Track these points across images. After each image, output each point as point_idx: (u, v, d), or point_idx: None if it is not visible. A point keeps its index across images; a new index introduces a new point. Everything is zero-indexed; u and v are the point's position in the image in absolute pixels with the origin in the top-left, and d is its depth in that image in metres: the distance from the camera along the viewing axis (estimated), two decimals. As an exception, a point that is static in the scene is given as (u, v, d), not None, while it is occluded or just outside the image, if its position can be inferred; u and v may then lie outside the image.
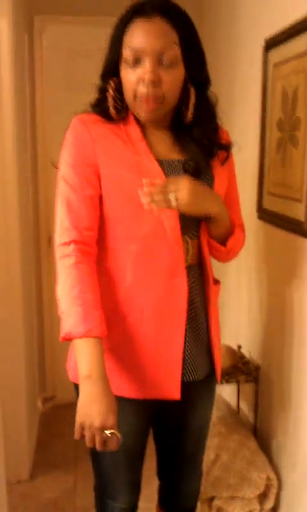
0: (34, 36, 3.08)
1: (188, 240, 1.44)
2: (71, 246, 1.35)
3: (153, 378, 1.41)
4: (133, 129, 1.41)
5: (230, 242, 1.49)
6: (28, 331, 2.78)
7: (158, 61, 1.29)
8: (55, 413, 3.33)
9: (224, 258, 1.54)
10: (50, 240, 3.26)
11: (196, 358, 1.46)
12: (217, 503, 1.99)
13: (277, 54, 1.99)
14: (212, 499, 2.01)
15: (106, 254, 1.42)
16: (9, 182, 2.42)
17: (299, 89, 1.81)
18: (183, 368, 1.43)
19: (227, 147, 1.48)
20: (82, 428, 1.22)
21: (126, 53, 1.31)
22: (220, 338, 1.59)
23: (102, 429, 1.20)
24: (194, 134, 1.41)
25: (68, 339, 1.30)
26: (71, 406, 3.32)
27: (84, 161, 1.38)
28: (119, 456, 1.52)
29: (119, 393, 1.35)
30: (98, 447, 1.22)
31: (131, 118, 1.42)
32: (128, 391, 1.43)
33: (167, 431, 1.64)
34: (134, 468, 1.60)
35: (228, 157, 1.48)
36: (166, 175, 1.38)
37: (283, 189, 1.98)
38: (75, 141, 1.40)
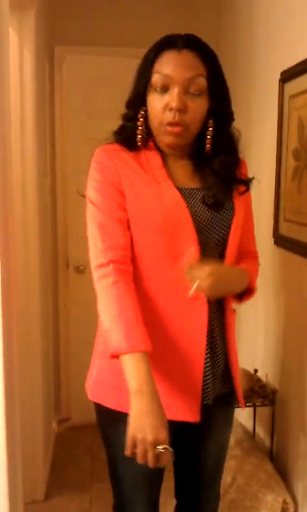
0: (55, 65, 3.19)
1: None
2: (110, 267, 1.37)
3: (174, 400, 1.43)
4: (154, 157, 1.46)
5: (245, 300, 1.57)
6: (45, 353, 2.83)
7: (186, 90, 1.35)
8: (70, 435, 3.36)
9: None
10: (67, 264, 3.32)
11: (215, 381, 1.49)
12: (233, 526, 2.01)
13: (293, 86, 2.07)
14: (228, 522, 2.03)
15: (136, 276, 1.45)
16: (30, 207, 2.48)
17: (315, 120, 1.88)
18: (203, 392, 1.45)
19: (246, 182, 1.52)
20: (134, 444, 1.23)
21: (156, 80, 1.37)
22: (238, 365, 1.61)
23: (155, 443, 1.21)
24: (213, 165, 1.46)
25: (116, 356, 1.31)
26: (86, 428, 3.39)
27: (111, 185, 1.43)
28: (139, 477, 1.54)
29: None
30: (150, 463, 1.23)
31: (152, 147, 1.48)
32: None
33: (186, 453, 1.65)
34: (153, 489, 1.61)
35: (246, 190, 1.51)
36: (186, 202, 1.42)
37: (299, 215, 2.03)
38: (101, 167, 1.45)
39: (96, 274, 1.40)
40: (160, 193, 1.41)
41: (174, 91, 1.35)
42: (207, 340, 1.45)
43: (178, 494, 1.75)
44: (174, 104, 1.35)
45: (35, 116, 2.47)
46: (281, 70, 2.16)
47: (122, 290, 1.36)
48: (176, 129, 1.37)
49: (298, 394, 2.08)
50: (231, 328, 1.54)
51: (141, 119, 1.45)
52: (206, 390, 1.46)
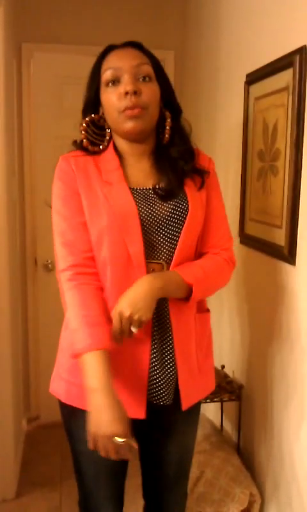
0: (23, 63, 3.17)
1: (164, 264, 1.49)
2: (70, 271, 1.46)
3: (121, 397, 1.39)
4: (112, 159, 1.53)
5: (193, 299, 1.51)
6: (14, 352, 2.83)
7: (135, 76, 1.45)
8: (40, 433, 3.36)
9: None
10: (36, 262, 3.32)
11: (170, 381, 1.50)
12: (202, 519, 2.05)
13: (258, 89, 2.11)
14: (197, 515, 2.07)
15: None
16: (-1, 206, 2.49)
17: (279, 122, 1.92)
18: (156, 392, 1.49)
19: (201, 172, 1.56)
20: (95, 438, 1.30)
21: (107, 75, 1.47)
22: (208, 363, 1.64)
23: (113, 436, 1.27)
24: (172, 153, 1.54)
25: (76, 356, 1.38)
26: (55, 426, 3.41)
27: (71, 191, 1.50)
28: (101, 472, 1.59)
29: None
30: (111, 455, 1.29)
31: (111, 149, 1.55)
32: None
33: (149, 454, 1.70)
34: (116, 484, 1.64)
35: (203, 183, 1.55)
36: (137, 203, 1.47)
37: (263, 215, 2.08)
38: (61, 174, 1.53)
39: (61, 278, 1.48)
40: (111, 195, 1.47)
41: (125, 78, 1.45)
42: (153, 340, 1.49)
43: (145, 494, 1.79)
44: (128, 87, 1.43)
45: (3, 114, 2.47)
46: (247, 73, 2.20)
47: (83, 292, 1.44)
48: (136, 111, 1.44)
49: (262, 390, 2.13)
50: (192, 327, 1.54)
51: (84, 124, 1.54)
52: (158, 390, 1.49)
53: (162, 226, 1.48)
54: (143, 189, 1.51)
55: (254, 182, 2.17)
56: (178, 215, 1.49)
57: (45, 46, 3.18)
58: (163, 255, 1.49)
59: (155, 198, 1.50)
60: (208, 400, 2.22)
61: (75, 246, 1.47)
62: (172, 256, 1.49)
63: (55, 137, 3.15)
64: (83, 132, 1.54)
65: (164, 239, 1.48)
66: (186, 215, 1.49)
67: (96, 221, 1.47)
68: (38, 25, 3.14)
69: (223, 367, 2.44)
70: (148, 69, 1.47)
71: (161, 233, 1.48)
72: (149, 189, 1.51)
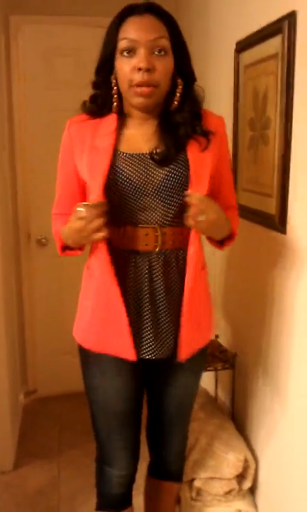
0: (11, 36, 3.12)
1: (158, 228, 1.55)
2: (53, 220, 1.72)
3: (109, 338, 1.58)
4: (111, 122, 1.57)
5: (226, 246, 1.71)
6: (9, 325, 2.84)
7: (151, 51, 1.45)
8: (37, 406, 3.40)
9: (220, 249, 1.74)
10: (29, 236, 3.32)
11: (161, 336, 1.58)
12: (196, 484, 2.09)
13: (248, 56, 2.09)
14: (192, 481, 2.11)
15: None
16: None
17: (269, 90, 1.91)
18: (151, 346, 1.57)
19: (206, 133, 1.56)
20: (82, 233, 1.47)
21: (122, 44, 1.46)
22: (205, 318, 1.70)
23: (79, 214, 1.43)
24: (176, 118, 1.55)
25: (60, 239, 1.64)
26: (53, 399, 3.43)
27: (66, 160, 1.64)
28: (113, 420, 1.68)
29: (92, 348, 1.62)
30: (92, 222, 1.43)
31: (114, 113, 1.57)
32: (96, 346, 1.62)
33: (151, 393, 1.80)
34: (128, 434, 1.72)
35: (207, 145, 1.56)
36: (128, 167, 1.52)
37: (255, 185, 2.08)
38: (62, 142, 1.65)
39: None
40: (93, 160, 1.53)
41: (141, 52, 1.44)
42: (144, 293, 1.56)
43: (147, 435, 1.90)
44: (142, 64, 1.43)
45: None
46: (237, 40, 2.17)
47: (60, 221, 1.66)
48: (146, 90, 1.46)
49: (255, 357, 2.16)
50: (194, 284, 1.58)
51: (115, 87, 1.54)
52: (151, 343, 1.57)
53: (157, 190, 1.52)
54: (138, 154, 1.54)
55: (246, 151, 2.16)
56: (174, 179, 1.52)
57: (34, 18, 3.12)
58: (158, 219, 1.54)
59: (150, 163, 1.52)
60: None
61: (62, 202, 1.70)
62: (168, 220, 1.54)
63: (49, 110, 3.13)
64: (115, 94, 1.55)
65: (159, 203, 1.53)
66: (183, 179, 1.52)
67: (88, 186, 1.58)
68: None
69: (217, 336, 2.46)
70: (164, 43, 1.47)
71: (156, 197, 1.52)
72: (146, 153, 1.54)
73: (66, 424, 3.16)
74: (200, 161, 1.54)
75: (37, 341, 3.44)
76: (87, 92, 1.64)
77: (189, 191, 1.48)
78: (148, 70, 1.44)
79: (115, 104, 1.56)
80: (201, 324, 1.67)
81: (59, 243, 1.66)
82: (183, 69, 1.54)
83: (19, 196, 3.28)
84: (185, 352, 1.60)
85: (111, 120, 1.58)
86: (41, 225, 3.21)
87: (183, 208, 1.51)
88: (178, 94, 1.54)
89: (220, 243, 1.69)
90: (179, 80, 1.54)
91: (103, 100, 1.58)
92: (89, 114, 1.61)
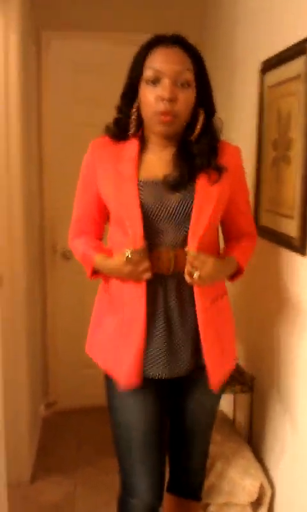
0: (42, 50, 3.17)
1: (171, 251, 1.59)
2: (72, 239, 1.80)
3: (119, 365, 1.63)
4: (132, 148, 1.62)
5: (236, 279, 1.75)
6: (31, 336, 2.86)
7: (175, 82, 1.51)
8: (58, 419, 3.41)
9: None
10: (55, 249, 3.34)
11: (175, 354, 1.62)
12: (211, 509, 2.05)
13: (272, 77, 2.06)
14: (207, 506, 2.07)
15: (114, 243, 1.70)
16: (15, 193, 2.50)
17: (292, 111, 1.88)
18: (162, 366, 1.61)
19: (219, 168, 1.60)
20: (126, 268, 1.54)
21: (148, 73, 1.52)
22: (229, 344, 1.73)
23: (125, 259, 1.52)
24: (193, 149, 1.59)
25: (94, 273, 1.71)
26: (73, 412, 3.43)
27: (88, 182, 1.70)
28: (133, 441, 1.67)
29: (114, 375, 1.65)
30: (138, 266, 1.53)
31: (137, 136, 1.63)
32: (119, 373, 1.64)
33: (171, 409, 1.80)
34: (152, 460, 1.69)
35: (218, 179, 1.59)
36: (145, 195, 1.57)
37: (276, 206, 2.05)
38: (85, 163, 1.70)
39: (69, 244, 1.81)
40: (121, 188, 1.59)
41: (166, 82, 1.50)
42: (159, 314, 1.60)
43: (169, 450, 1.87)
44: (166, 95, 1.49)
45: (20, 101, 2.47)
46: (261, 61, 2.15)
47: (84, 237, 1.76)
48: (168, 118, 1.52)
49: (274, 382, 2.12)
50: (205, 306, 1.61)
51: (135, 110, 1.60)
52: (158, 363, 1.61)
53: (171, 215, 1.57)
54: (154, 180, 1.59)
55: (268, 171, 2.14)
56: (184, 205, 1.57)
57: (64, 33, 3.17)
58: (171, 242, 1.59)
59: (163, 189, 1.58)
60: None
61: (81, 224, 1.77)
62: (179, 243, 1.59)
63: (75, 124, 3.16)
64: (134, 117, 1.60)
65: (172, 227, 1.58)
66: (191, 203, 1.57)
67: (110, 212, 1.67)
68: (56, 13, 3.12)
69: (236, 358, 2.42)
70: (188, 76, 1.52)
71: (169, 221, 1.58)
72: (160, 180, 1.59)
73: (85, 439, 3.16)
74: (206, 194, 1.59)
75: (59, 353, 3.45)
76: (112, 109, 1.68)
77: (186, 248, 1.56)
78: (171, 100, 1.50)
79: (133, 129, 1.61)
80: (224, 350, 1.70)
81: (90, 268, 1.71)
82: (205, 101, 1.60)
83: (46, 209, 3.30)
84: (214, 379, 1.65)
85: (133, 145, 1.63)
86: (66, 238, 3.21)
87: (197, 234, 1.58)
88: (198, 126, 1.59)
89: (230, 278, 1.75)
90: (201, 111, 1.59)
91: (125, 124, 1.63)
92: (111, 137, 1.66)
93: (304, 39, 1.76)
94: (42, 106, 3.22)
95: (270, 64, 2.07)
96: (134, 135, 1.63)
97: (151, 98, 1.52)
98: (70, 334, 3.38)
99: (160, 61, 1.51)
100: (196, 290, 1.59)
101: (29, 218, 2.76)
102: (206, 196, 1.58)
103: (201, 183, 1.58)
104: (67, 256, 3.30)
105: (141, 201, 1.56)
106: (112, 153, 1.63)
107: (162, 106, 1.50)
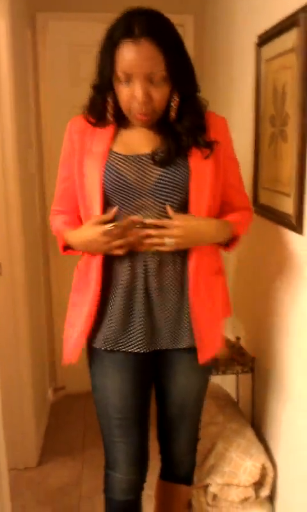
0: (37, 33, 3.12)
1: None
2: (52, 216, 1.78)
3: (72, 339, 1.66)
4: (108, 128, 1.59)
5: (231, 248, 1.69)
6: (35, 323, 2.85)
7: (148, 81, 1.45)
8: (65, 403, 3.42)
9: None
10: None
11: (153, 332, 1.61)
12: (212, 490, 2.05)
13: (268, 50, 2.02)
14: (207, 486, 2.07)
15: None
16: (10, 178, 2.46)
17: (287, 85, 1.83)
18: (141, 340, 1.60)
19: (209, 144, 1.56)
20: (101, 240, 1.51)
21: (119, 73, 1.45)
22: (214, 324, 1.67)
23: (102, 231, 1.50)
24: (176, 128, 1.55)
25: (66, 247, 1.68)
26: (80, 396, 3.44)
27: (66, 158, 1.68)
28: (111, 418, 1.68)
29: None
30: (113, 230, 1.49)
31: (112, 125, 1.59)
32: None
33: (156, 390, 1.80)
34: (131, 437, 1.70)
35: (210, 154, 1.56)
36: (126, 169, 1.53)
37: (274, 183, 2.01)
38: (64, 139, 1.68)
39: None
40: (90, 166, 1.57)
41: (137, 84, 1.44)
42: (138, 293, 1.57)
43: (158, 436, 1.88)
44: (139, 98, 1.45)
45: (13, 86, 2.43)
46: (258, 34, 2.10)
47: (61, 216, 1.73)
48: (145, 117, 1.50)
49: (274, 361, 2.10)
50: (195, 285, 1.58)
51: (109, 108, 1.55)
52: (137, 339, 1.60)
53: (152, 190, 1.53)
54: (135, 155, 1.55)
55: (266, 148, 2.09)
56: (169, 179, 1.53)
57: (59, 14, 3.11)
58: (153, 218, 1.54)
59: (147, 163, 1.54)
60: (220, 373, 2.20)
61: (62, 200, 1.74)
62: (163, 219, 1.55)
63: (73, 106, 3.09)
64: (110, 110, 1.55)
65: (154, 203, 1.54)
66: (179, 181, 1.53)
67: (79, 190, 1.64)
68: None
69: (238, 338, 2.40)
70: (161, 74, 1.44)
71: (151, 197, 1.53)
72: (145, 154, 1.55)
73: (91, 422, 3.16)
74: (202, 169, 1.55)
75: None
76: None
77: (169, 210, 1.52)
78: (145, 102, 1.46)
79: (109, 117, 1.57)
80: (213, 329, 1.67)
81: (61, 243, 1.70)
82: (183, 85, 1.52)
83: (47, 194, 3.28)
84: (203, 357, 1.63)
85: (109, 127, 1.60)
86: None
87: (178, 209, 1.54)
88: (172, 114, 1.54)
89: (225, 246, 1.69)
90: (175, 97, 1.52)
91: (100, 111, 1.59)
92: (88, 120, 1.62)
93: (297, 10, 1.71)
94: (40, 90, 3.18)
95: (266, 38, 2.02)
96: (111, 121, 1.59)
97: (125, 97, 1.48)
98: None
99: (129, 62, 1.42)
100: (190, 265, 1.57)
101: (28, 204, 2.74)
102: (203, 171, 1.54)
103: (195, 158, 1.54)
104: (70, 240, 3.27)
105: (117, 177, 1.52)
106: (89, 132, 1.60)
107: (137, 107, 1.47)
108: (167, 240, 1.50)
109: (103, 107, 1.57)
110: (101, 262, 1.57)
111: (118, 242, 1.50)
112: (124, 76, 1.45)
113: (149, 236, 1.51)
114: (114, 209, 1.53)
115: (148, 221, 1.51)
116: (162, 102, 1.50)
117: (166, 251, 1.54)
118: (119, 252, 1.52)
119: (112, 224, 1.49)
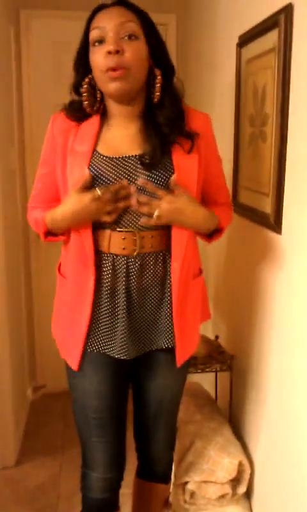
0: (21, 30, 3.11)
1: (136, 232, 1.54)
2: (29, 211, 1.72)
3: (67, 346, 1.66)
4: (92, 126, 1.56)
5: (214, 239, 1.68)
6: (14, 321, 2.84)
7: (119, 35, 1.44)
8: (45, 402, 3.40)
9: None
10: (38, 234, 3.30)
11: (135, 337, 1.61)
12: (190, 487, 2.05)
13: (249, 51, 2.03)
14: (185, 484, 2.08)
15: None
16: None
17: (267, 85, 1.85)
18: (124, 346, 1.58)
19: (191, 135, 1.55)
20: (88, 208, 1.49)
21: (93, 34, 1.47)
22: (191, 326, 1.68)
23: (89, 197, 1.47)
24: (158, 118, 1.54)
25: (44, 230, 1.61)
26: (60, 395, 3.43)
27: (46, 157, 1.66)
28: (88, 418, 1.68)
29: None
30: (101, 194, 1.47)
31: (97, 115, 1.58)
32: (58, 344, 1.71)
33: (134, 390, 1.82)
34: (108, 436, 1.70)
35: (192, 147, 1.55)
36: (109, 171, 1.51)
37: (254, 183, 2.03)
38: (46, 137, 1.65)
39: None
40: (71, 164, 1.54)
41: (109, 36, 1.44)
42: (119, 295, 1.56)
43: (134, 434, 1.90)
44: (110, 47, 1.42)
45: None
46: (239, 34, 2.12)
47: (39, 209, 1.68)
48: (118, 72, 1.44)
49: (249, 359, 2.11)
50: (176, 287, 1.57)
51: (85, 86, 1.54)
52: (121, 346, 1.58)
53: (143, 193, 1.51)
54: (120, 157, 1.53)
55: (246, 148, 2.11)
56: (156, 182, 1.51)
57: (43, 12, 3.11)
58: (135, 223, 1.54)
59: (133, 166, 1.52)
60: (199, 371, 2.21)
61: (40, 196, 1.71)
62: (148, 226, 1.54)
63: (56, 105, 3.09)
64: (85, 93, 1.55)
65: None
66: (165, 183, 1.51)
67: (62, 189, 1.61)
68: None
69: (217, 337, 2.42)
70: (133, 27, 1.46)
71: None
72: (130, 156, 1.53)
73: (71, 422, 3.14)
74: (185, 165, 1.53)
75: (47, 337, 3.41)
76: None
77: (173, 182, 1.50)
78: (117, 52, 1.43)
79: (87, 102, 1.55)
80: (191, 330, 1.68)
81: (43, 229, 1.62)
82: (160, 60, 1.54)
83: (29, 191, 3.26)
84: (180, 358, 1.64)
85: (94, 122, 1.57)
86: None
87: None
88: (157, 85, 1.53)
89: (208, 237, 1.68)
90: (157, 70, 1.53)
91: (80, 104, 1.58)
92: (70, 118, 1.60)
93: (277, 11, 1.73)
94: (23, 87, 3.17)
95: (246, 38, 2.03)
96: (96, 112, 1.58)
97: (99, 58, 1.45)
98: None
99: (101, 20, 1.46)
100: (173, 267, 1.56)
101: (8, 200, 2.73)
102: (186, 167, 1.53)
103: (177, 155, 1.53)
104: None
105: (102, 180, 1.51)
106: (73, 130, 1.58)
107: (109, 61, 1.43)
108: (156, 211, 1.48)
109: (82, 97, 1.56)
110: (93, 261, 1.54)
111: (108, 207, 1.48)
112: (97, 35, 1.45)
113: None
114: (88, 174, 1.49)
115: (141, 181, 1.48)
116: (136, 59, 1.46)
117: (147, 235, 1.54)
118: (108, 219, 1.50)
119: (102, 189, 1.46)
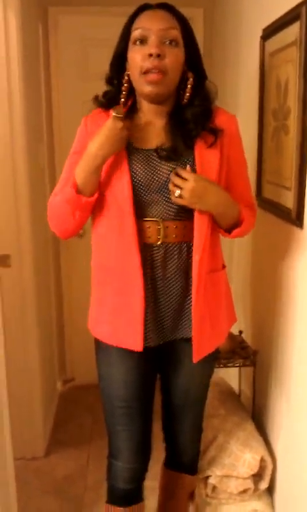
0: (49, 27, 3.14)
1: (160, 222, 1.57)
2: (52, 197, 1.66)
3: (119, 330, 1.63)
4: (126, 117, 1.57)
5: (235, 233, 1.66)
6: (43, 315, 2.88)
7: (162, 40, 1.49)
8: (74, 394, 3.46)
9: (231, 238, 1.71)
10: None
11: (159, 326, 1.64)
12: (212, 481, 2.06)
13: (272, 43, 2.01)
14: (207, 478, 2.08)
15: (99, 222, 1.64)
16: (20, 173, 2.49)
17: (290, 78, 1.83)
18: (150, 334, 1.62)
19: (215, 131, 1.57)
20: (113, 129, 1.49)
21: (135, 34, 1.51)
22: (220, 319, 1.71)
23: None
24: (186, 114, 1.57)
25: (74, 186, 1.55)
26: (89, 388, 3.47)
27: (79, 148, 1.63)
28: (115, 407, 1.71)
29: (102, 339, 1.69)
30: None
31: (127, 108, 1.59)
32: (106, 337, 1.68)
33: (162, 381, 1.84)
34: (134, 425, 1.72)
35: (215, 141, 1.57)
36: (136, 163, 1.55)
37: (277, 177, 2.01)
38: (77, 137, 1.68)
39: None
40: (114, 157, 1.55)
41: (152, 38, 1.48)
42: (146, 282, 1.58)
43: (163, 426, 1.93)
44: (152, 50, 1.46)
45: (23, 81, 2.45)
46: (262, 27, 2.10)
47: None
48: (156, 76, 1.48)
49: (273, 354, 2.10)
50: (198, 277, 1.58)
51: (127, 78, 1.57)
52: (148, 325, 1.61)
53: (162, 186, 1.56)
54: (146, 149, 1.58)
55: (269, 142, 2.09)
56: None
57: (71, 9, 3.14)
58: (161, 213, 1.57)
59: (156, 158, 1.56)
60: (222, 366, 2.21)
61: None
62: (171, 214, 1.58)
63: (83, 102, 3.12)
64: (124, 91, 1.57)
65: (162, 199, 1.56)
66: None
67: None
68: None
69: (241, 332, 2.41)
70: (175, 34, 1.50)
71: (160, 193, 1.56)
72: (152, 149, 1.57)
73: (99, 414, 3.18)
74: (207, 158, 1.56)
75: (76, 331, 3.47)
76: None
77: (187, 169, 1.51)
78: (158, 56, 1.46)
79: (123, 100, 1.57)
80: (214, 323, 1.69)
81: (74, 188, 1.55)
82: (194, 64, 1.57)
83: (57, 188, 3.31)
84: (198, 351, 1.64)
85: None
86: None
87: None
88: (189, 86, 1.56)
89: (228, 231, 1.67)
90: (189, 73, 1.56)
91: (114, 94, 1.61)
92: (101, 107, 1.64)
93: (299, 3, 1.71)
94: (51, 84, 3.20)
95: (270, 31, 2.01)
96: (125, 106, 1.59)
97: (138, 58, 1.49)
98: (86, 311, 3.40)
99: (145, 20, 1.50)
100: (194, 259, 1.57)
101: (37, 197, 2.76)
102: (208, 160, 1.56)
103: (199, 148, 1.56)
104: (80, 234, 3.30)
105: (132, 171, 1.55)
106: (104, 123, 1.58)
107: (149, 63, 1.47)
108: (177, 191, 1.50)
109: (117, 89, 1.59)
110: (139, 259, 1.56)
111: (121, 124, 1.48)
112: (139, 35, 1.49)
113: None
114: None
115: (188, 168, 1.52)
116: (174, 65, 1.50)
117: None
118: (124, 134, 1.51)
119: (116, 108, 1.48)
